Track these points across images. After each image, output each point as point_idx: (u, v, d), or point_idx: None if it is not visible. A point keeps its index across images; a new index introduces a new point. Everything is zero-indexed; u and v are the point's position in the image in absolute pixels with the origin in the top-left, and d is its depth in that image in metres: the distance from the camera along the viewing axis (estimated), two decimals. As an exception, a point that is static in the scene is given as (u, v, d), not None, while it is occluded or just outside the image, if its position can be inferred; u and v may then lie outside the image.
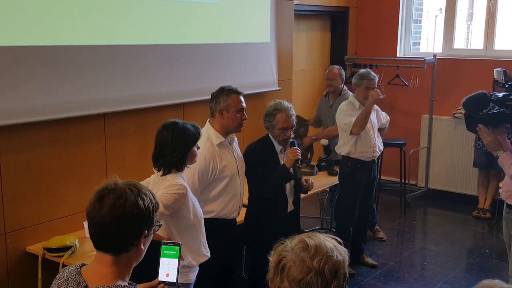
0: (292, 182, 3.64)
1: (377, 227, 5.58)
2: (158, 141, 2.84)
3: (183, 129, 2.82)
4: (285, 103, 3.58)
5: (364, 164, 4.71)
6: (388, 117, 4.97)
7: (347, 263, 1.50)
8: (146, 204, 1.62)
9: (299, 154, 3.48)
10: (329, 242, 1.49)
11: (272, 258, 1.51)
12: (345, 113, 4.63)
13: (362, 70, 4.80)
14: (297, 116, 3.76)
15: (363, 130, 4.56)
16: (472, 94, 3.42)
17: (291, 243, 1.49)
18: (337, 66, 5.57)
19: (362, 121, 4.54)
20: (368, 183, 4.84)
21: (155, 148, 2.85)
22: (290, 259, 1.45)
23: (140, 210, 1.60)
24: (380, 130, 4.87)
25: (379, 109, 4.87)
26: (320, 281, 1.41)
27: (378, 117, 4.83)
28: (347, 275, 1.49)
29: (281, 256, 1.47)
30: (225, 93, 3.34)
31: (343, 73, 5.50)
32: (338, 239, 1.55)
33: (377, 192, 5.52)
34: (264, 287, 1.58)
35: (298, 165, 3.48)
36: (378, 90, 4.57)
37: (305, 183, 3.65)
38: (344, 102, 4.75)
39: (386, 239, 5.50)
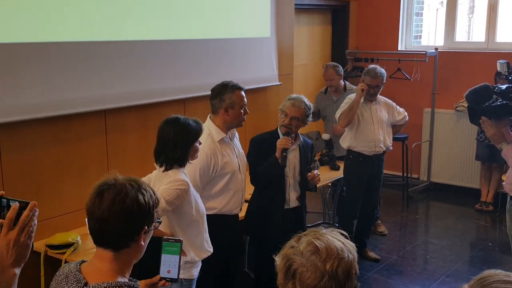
0: (297, 178, 3.65)
1: (378, 221, 5.57)
2: (160, 137, 2.83)
3: (185, 125, 2.80)
4: (296, 95, 3.64)
5: (366, 158, 4.70)
6: (405, 113, 4.86)
7: (357, 259, 1.47)
8: (146, 200, 1.60)
9: (289, 144, 3.47)
10: (338, 241, 1.46)
11: (279, 261, 1.46)
12: (342, 107, 4.64)
13: (370, 66, 4.74)
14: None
15: (352, 123, 4.57)
16: (475, 86, 3.40)
17: (299, 245, 1.45)
18: (332, 64, 5.51)
19: (345, 115, 4.54)
20: (373, 178, 4.82)
21: (157, 144, 2.84)
22: (300, 263, 1.42)
23: (140, 205, 1.59)
24: (394, 126, 4.85)
25: (394, 104, 4.83)
26: (335, 284, 1.39)
27: (391, 113, 4.78)
28: (358, 272, 1.47)
29: (290, 260, 1.43)
30: (230, 90, 3.31)
31: (340, 69, 5.45)
32: (344, 232, 1.52)
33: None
34: (270, 282, 1.55)
35: (284, 154, 3.46)
36: (363, 84, 4.53)
37: (309, 175, 3.63)
38: (350, 95, 4.74)
39: (387, 233, 5.49)
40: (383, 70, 4.65)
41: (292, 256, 1.44)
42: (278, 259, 1.48)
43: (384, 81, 4.64)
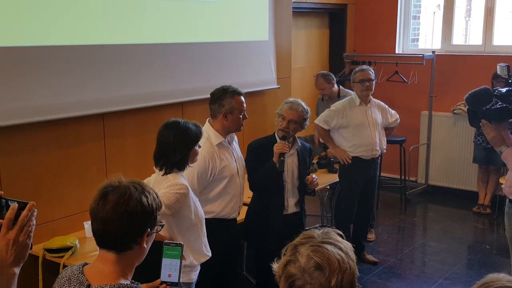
0: (296, 183, 3.62)
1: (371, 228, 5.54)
2: (160, 140, 2.82)
3: (185, 129, 2.79)
4: (293, 99, 3.62)
5: (362, 162, 4.70)
6: (397, 116, 4.91)
7: (356, 260, 1.46)
8: (149, 202, 1.61)
9: (286, 148, 3.45)
10: (337, 249, 1.43)
11: (280, 278, 1.43)
12: (327, 115, 4.70)
13: (356, 68, 4.84)
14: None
15: (346, 130, 4.68)
16: (475, 89, 3.40)
17: (299, 258, 1.41)
18: (321, 73, 5.52)
19: (323, 138, 4.84)
20: (369, 181, 4.82)
21: (157, 147, 2.83)
22: (305, 281, 1.39)
23: (144, 207, 1.59)
24: (387, 129, 4.86)
25: (386, 106, 4.86)
26: None
27: (384, 115, 4.80)
28: (358, 274, 1.46)
29: (292, 277, 1.40)
30: (229, 95, 3.29)
31: (330, 77, 5.46)
32: (340, 232, 1.50)
33: (377, 189, 5.49)
34: (272, 284, 1.53)
35: (282, 158, 3.44)
36: (349, 157, 4.65)
37: (308, 179, 3.61)
38: (344, 99, 4.75)
39: (373, 240, 5.43)
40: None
41: (296, 273, 1.40)
42: (276, 271, 1.45)
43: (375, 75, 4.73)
